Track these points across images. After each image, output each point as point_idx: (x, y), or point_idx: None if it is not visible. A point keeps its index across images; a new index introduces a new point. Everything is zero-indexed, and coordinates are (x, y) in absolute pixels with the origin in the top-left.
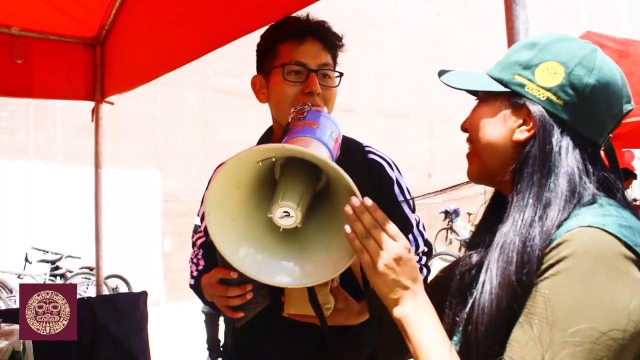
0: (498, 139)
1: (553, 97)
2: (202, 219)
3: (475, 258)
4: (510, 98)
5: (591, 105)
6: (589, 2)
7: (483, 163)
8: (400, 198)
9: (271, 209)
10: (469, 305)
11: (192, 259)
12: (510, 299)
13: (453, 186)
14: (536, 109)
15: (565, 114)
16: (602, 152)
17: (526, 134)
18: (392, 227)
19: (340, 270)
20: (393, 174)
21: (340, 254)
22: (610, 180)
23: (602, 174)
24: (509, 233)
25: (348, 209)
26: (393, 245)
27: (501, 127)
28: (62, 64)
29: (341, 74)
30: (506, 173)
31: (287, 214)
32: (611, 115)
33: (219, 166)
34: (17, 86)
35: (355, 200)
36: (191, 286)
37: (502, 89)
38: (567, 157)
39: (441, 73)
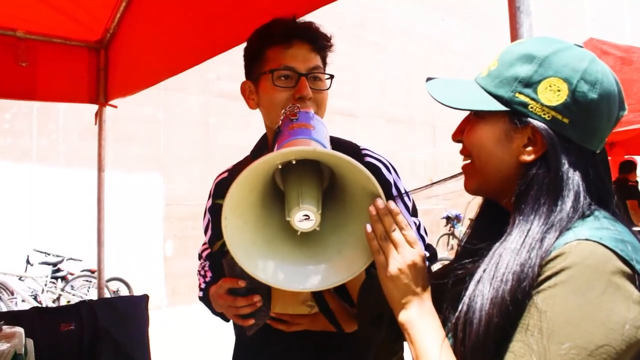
0: (502, 159)
1: (558, 116)
2: (205, 230)
3: (470, 266)
4: (512, 117)
5: (595, 118)
6: (593, 9)
7: (485, 180)
8: (399, 202)
9: (290, 212)
10: (455, 315)
11: (199, 271)
12: (502, 317)
13: (437, 182)
14: (543, 130)
15: (571, 131)
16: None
17: (533, 156)
18: (411, 233)
19: (357, 272)
20: (390, 177)
21: (355, 255)
22: (605, 190)
23: (598, 185)
24: (506, 253)
25: (372, 209)
26: (410, 251)
27: (505, 148)
28: (66, 67)
29: (332, 76)
30: (509, 192)
31: (307, 217)
32: (610, 124)
33: (219, 176)
34: (21, 89)
35: (380, 203)
36: (200, 298)
37: (502, 108)
38: (574, 176)
39: (429, 86)
